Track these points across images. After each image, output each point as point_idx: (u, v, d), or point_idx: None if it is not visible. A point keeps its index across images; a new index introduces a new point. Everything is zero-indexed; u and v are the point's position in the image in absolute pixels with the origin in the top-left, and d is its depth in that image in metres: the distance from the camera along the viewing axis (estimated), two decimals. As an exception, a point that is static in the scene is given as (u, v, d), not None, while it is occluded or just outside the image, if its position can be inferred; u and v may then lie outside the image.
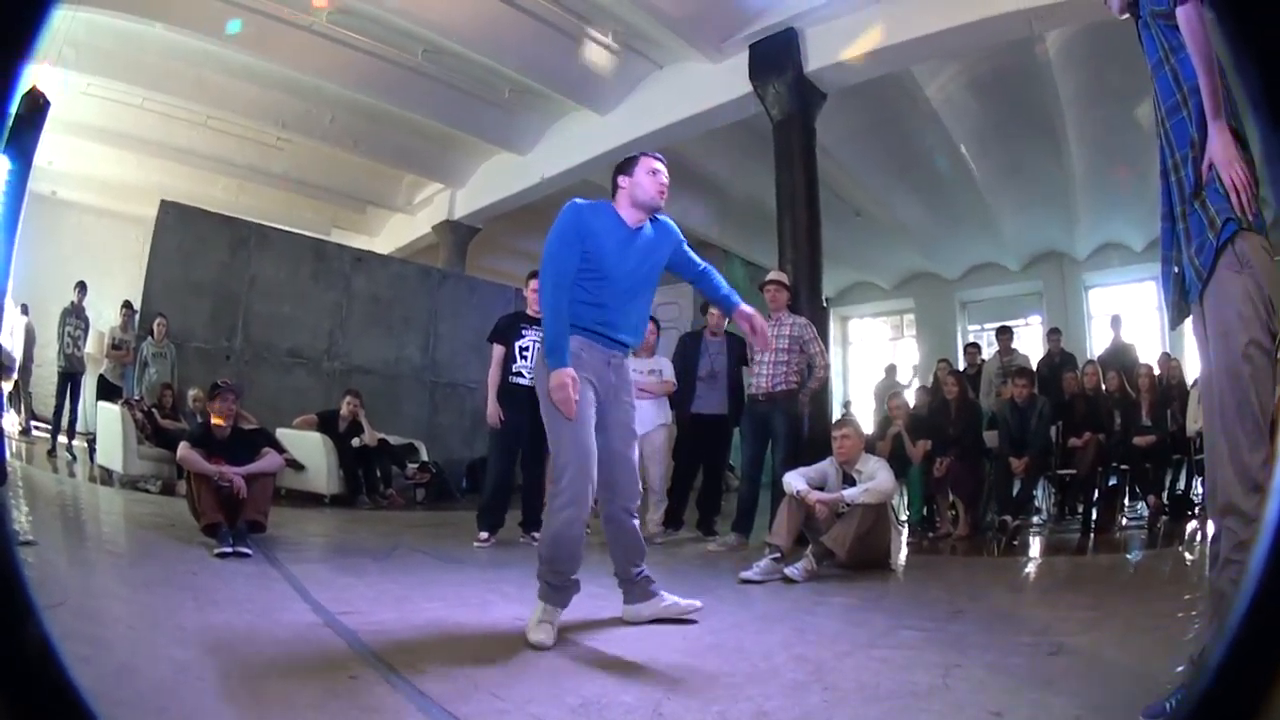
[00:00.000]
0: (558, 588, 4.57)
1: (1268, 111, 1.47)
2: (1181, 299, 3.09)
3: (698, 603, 4.95)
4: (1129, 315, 15.01)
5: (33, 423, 15.47)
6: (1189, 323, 3.13)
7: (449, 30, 12.51)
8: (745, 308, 5.16)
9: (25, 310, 14.41)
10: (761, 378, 8.89)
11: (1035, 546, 9.49)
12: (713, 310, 9.69)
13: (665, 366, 9.53)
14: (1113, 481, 10.44)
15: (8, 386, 13.68)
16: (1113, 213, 16.47)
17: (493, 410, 8.53)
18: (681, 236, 5.22)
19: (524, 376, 8.45)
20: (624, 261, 4.81)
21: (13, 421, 14.68)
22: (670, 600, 4.92)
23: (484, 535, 8.37)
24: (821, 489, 7.23)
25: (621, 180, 5.01)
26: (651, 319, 9.61)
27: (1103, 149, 13.94)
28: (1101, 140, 13.67)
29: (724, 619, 5.14)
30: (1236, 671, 1.36)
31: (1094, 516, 10.10)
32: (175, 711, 3.03)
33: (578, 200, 4.95)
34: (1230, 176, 2.80)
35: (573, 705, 3.32)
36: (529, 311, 8.71)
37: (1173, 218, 3.14)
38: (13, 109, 9.09)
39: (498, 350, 8.67)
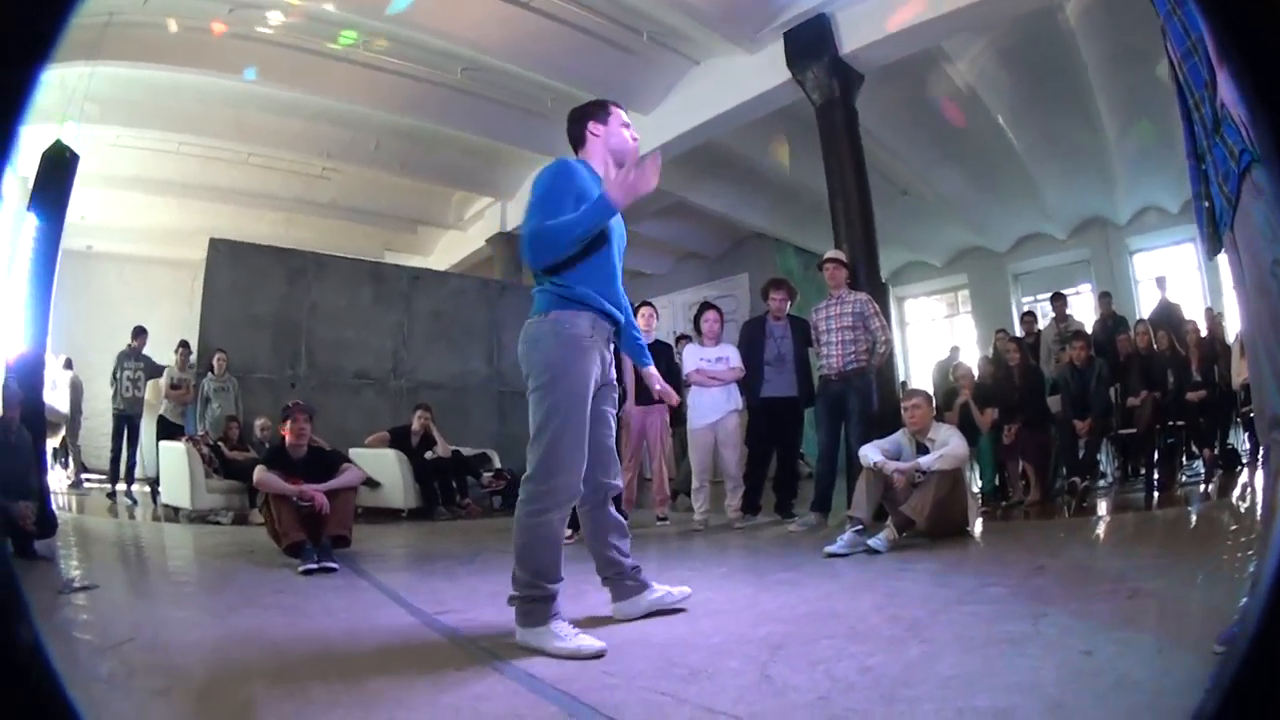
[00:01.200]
0: (540, 599, 4.03)
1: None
2: (1214, 231, 3.22)
3: (687, 589, 4.56)
4: (1173, 276, 15.10)
5: (83, 475, 15.51)
6: (1226, 269, 3.28)
7: (485, 46, 12.60)
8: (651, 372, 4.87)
9: (69, 365, 14.73)
10: (831, 358, 8.97)
11: (1103, 506, 9.57)
12: (773, 295, 9.69)
13: (732, 353, 9.51)
14: (1170, 440, 10.50)
15: (53, 442, 13.91)
16: (1147, 175, 16.36)
17: None
18: None
19: None
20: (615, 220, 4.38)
21: (60, 476, 14.73)
22: (661, 591, 4.55)
23: (568, 534, 8.44)
24: (896, 460, 7.28)
25: (594, 128, 4.57)
26: (715, 307, 9.73)
27: (1130, 111, 13.90)
28: (1128, 103, 13.67)
29: (814, 590, 5.21)
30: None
31: (1156, 475, 10.20)
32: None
33: (565, 158, 4.54)
34: (1237, 114, 2.94)
35: (682, 675, 3.38)
36: None
37: (1197, 155, 3.28)
38: (33, 168, 9.32)
39: None
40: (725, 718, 2.84)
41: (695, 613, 4.48)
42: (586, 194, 4.22)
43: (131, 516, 12.17)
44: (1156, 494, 9.65)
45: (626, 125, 4.60)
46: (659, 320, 10.42)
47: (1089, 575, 5.29)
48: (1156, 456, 10.22)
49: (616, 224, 4.43)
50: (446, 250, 21.81)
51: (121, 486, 13.51)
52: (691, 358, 9.64)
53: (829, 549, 6.63)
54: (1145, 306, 16.12)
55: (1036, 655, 3.40)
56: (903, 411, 7.68)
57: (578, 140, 4.63)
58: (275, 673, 3.67)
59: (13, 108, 1.40)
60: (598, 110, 4.61)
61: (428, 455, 12.08)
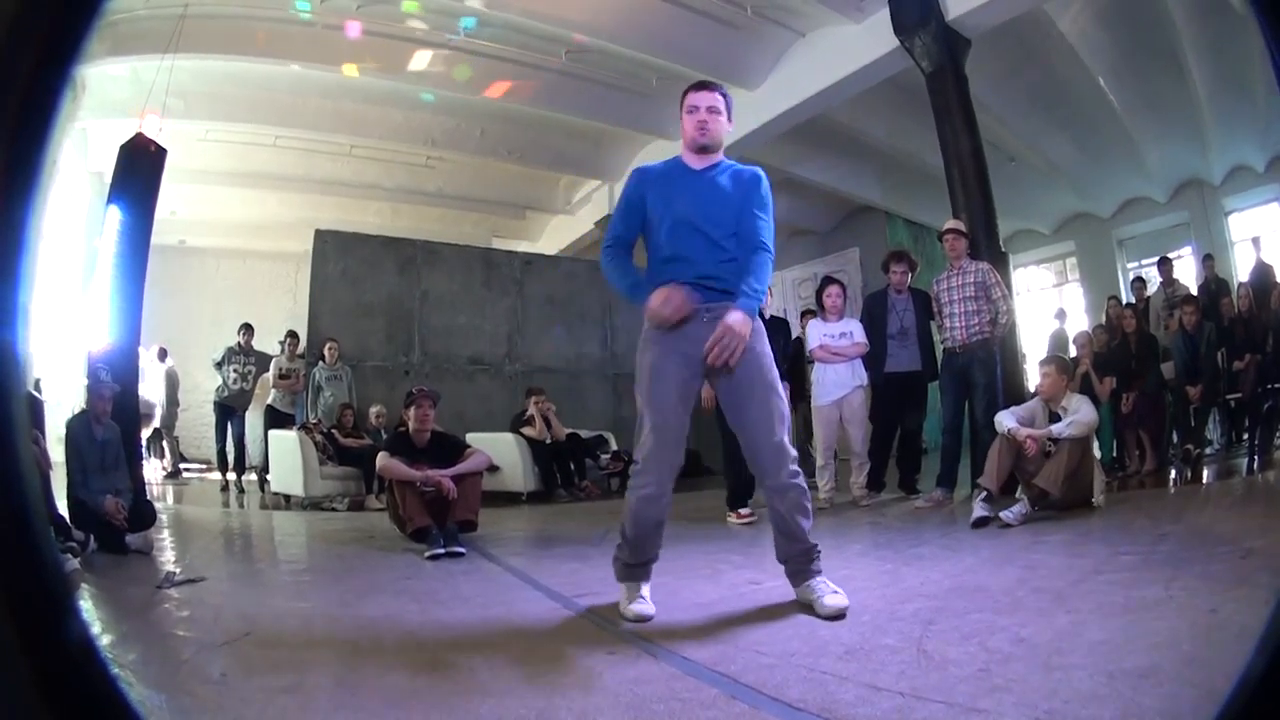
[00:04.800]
0: (634, 566, 4.45)
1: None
2: None
3: (844, 601, 4.14)
4: (1265, 236, 15.07)
5: (182, 465, 15.80)
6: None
7: (589, 28, 12.53)
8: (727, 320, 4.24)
9: (163, 356, 14.93)
10: (955, 330, 8.98)
11: (1213, 472, 9.78)
12: (894, 268, 9.64)
13: (855, 328, 9.47)
14: (1269, 404, 10.46)
15: (146, 433, 14.05)
16: (1235, 133, 16.08)
17: (707, 395, 8.31)
18: (758, 197, 4.58)
19: None
20: (679, 202, 4.46)
21: (155, 467, 14.95)
22: (820, 593, 4.22)
23: (744, 510, 8.56)
24: (1030, 428, 7.36)
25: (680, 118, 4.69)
26: (837, 282, 9.63)
27: (1216, 67, 13.68)
28: (1214, 58, 13.46)
29: (954, 564, 5.37)
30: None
31: (1256, 439, 10.24)
32: (426, 715, 2.97)
33: (640, 165, 4.83)
34: None
35: (838, 653, 3.44)
36: None
37: None
38: (111, 162, 9.35)
39: None
40: (891, 695, 2.90)
41: (841, 590, 4.37)
42: (650, 199, 4.54)
43: (240, 506, 12.42)
44: (1258, 457, 9.87)
45: (692, 109, 4.61)
46: (771, 298, 10.39)
47: (1207, 539, 5.53)
48: (1259, 420, 10.23)
49: (681, 196, 4.50)
50: (554, 235, 21.67)
51: (231, 476, 13.75)
52: (815, 334, 9.54)
53: (976, 515, 6.88)
54: (1243, 267, 15.91)
55: (1171, 617, 3.65)
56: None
57: None
58: (416, 661, 3.69)
59: (46, 103, 1.46)
60: (680, 105, 4.70)
61: (529, 433, 12.20)
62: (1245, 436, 10.84)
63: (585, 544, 7.40)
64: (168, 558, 7.15)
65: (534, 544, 8.41)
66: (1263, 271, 12.81)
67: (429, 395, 7.93)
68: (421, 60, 13.22)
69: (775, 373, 4.51)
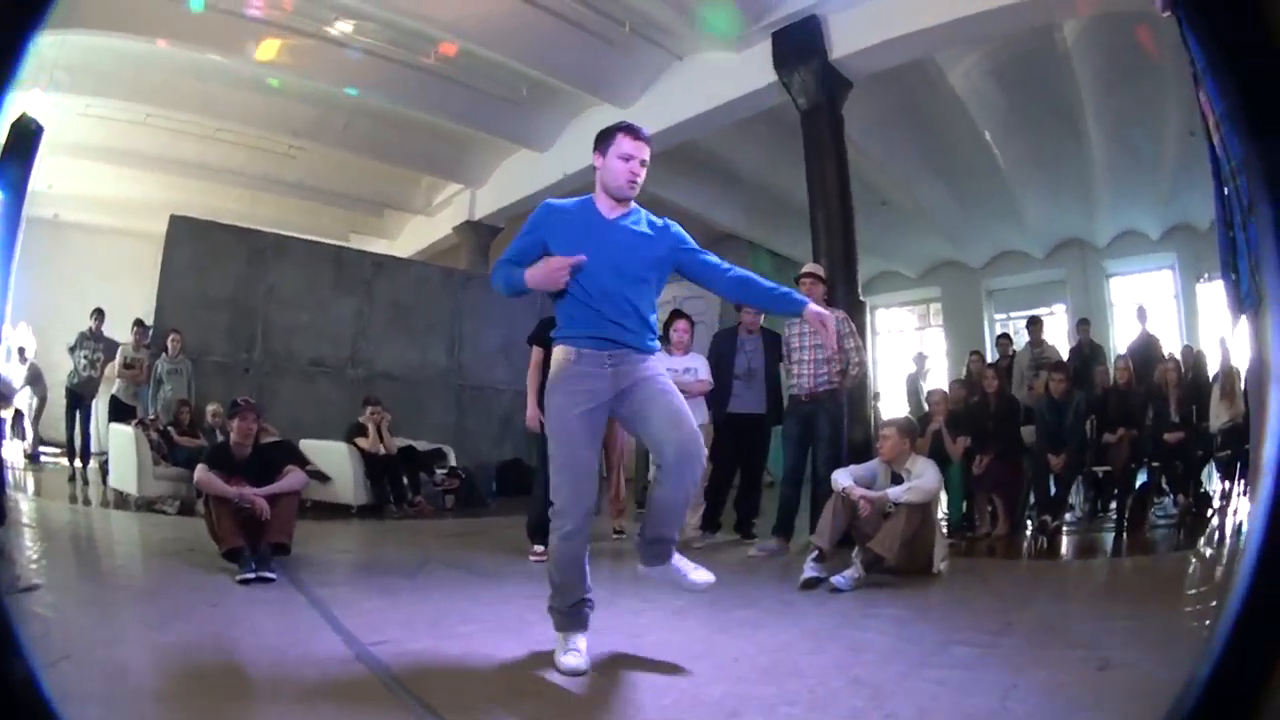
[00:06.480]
0: (569, 614, 4.42)
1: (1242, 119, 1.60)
2: (1238, 304, 3.08)
3: (711, 576, 4.61)
4: (1149, 303, 15.06)
5: (40, 448, 15.40)
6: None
7: (462, 29, 12.46)
8: (816, 307, 4.62)
9: (23, 356, 14.54)
10: (804, 378, 8.75)
11: (1073, 547, 9.51)
12: (748, 307, 9.31)
13: (700, 365, 9.23)
14: (1143, 479, 10.32)
15: (8, 414, 13.76)
16: (1130, 200, 16.49)
17: (532, 414, 8.02)
18: (690, 242, 4.76)
19: None
20: (593, 249, 4.38)
21: (15, 449, 14.66)
22: (681, 571, 4.61)
23: (539, 549, 7.99)
24: (869, 488, 7.11)
25: (595, 160, 4.55)
26: (685, 316, 9.48)
27: (1120, 137, 13.93)
28: (1119, 128, 13.69)
29: (774, 635, 5.12)
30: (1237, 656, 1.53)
31: (1126, 516, 10.01)
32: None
33: (550, 200, 4.70)
34: None
35: None
36: None
37: (1226, 222, 3.11)
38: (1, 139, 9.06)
39: (536, 353, 8.05)
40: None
41: (651, 655, 4.43)
42: (549, 236, 4.49)
43: (86, 501, 12.08)
44: (1125, 536, 9.61)
45: (628, 157, 4.42)
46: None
47: (1059, 637, 5.14)
48: (1129, 497, 10.04)
49: (600, 244, 4.41)
50: (412, 235, 21.95)
51: (79, 465, 13.56)
52: (658, 367, 9.29)
53: (806, 575, 6.59)
54: (1120, 333, 16.40)
55: (1004, 741, 3.20)
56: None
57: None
58: (201, 711, 3.57)
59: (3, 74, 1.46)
60: (600, 141, 4.52)
61: (363, 444, 11.95)
62: (1112, 508, 10.58)
63: (399, 575, 7.15)
64: (14, 558, 6.89)
65: (349, 572, 8.09)
66: (1147, 344, 12.78)
67: (253, 408, 7.61)
68: (289, 49, 13.21)
69: (674, 388, 4.66)
